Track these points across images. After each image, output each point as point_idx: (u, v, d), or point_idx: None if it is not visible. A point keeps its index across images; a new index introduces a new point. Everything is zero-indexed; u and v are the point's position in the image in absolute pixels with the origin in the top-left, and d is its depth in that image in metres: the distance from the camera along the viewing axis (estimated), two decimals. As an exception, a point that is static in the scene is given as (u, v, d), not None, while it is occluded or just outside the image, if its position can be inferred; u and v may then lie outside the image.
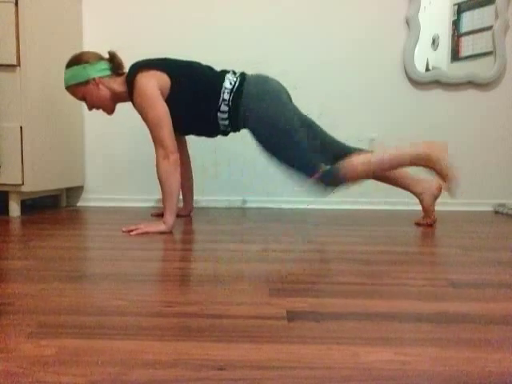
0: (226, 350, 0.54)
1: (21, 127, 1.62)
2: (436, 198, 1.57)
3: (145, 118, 1.38)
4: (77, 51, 1.98)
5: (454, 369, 0.50)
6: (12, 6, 1.56)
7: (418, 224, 1.61)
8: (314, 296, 0.75)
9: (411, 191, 1.57)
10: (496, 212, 2.06)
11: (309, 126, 1.51)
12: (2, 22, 1.56)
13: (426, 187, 1.56)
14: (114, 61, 1.48)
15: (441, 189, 1.57)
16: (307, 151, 1.41)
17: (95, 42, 2.05)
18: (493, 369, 0.50)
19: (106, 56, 1.49)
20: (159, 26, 2.07)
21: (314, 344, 0.56)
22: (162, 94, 1.40)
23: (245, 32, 2.07)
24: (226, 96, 1.43)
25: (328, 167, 1.39)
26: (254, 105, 1.42)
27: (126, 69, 1.48)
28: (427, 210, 1.57)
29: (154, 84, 1.37)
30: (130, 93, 1.43)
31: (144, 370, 0.48)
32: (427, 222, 1.59)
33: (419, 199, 1.58)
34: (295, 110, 1.47)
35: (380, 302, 0.72)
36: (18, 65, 1.60)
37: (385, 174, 1.53)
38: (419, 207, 1.61)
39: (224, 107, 1.45)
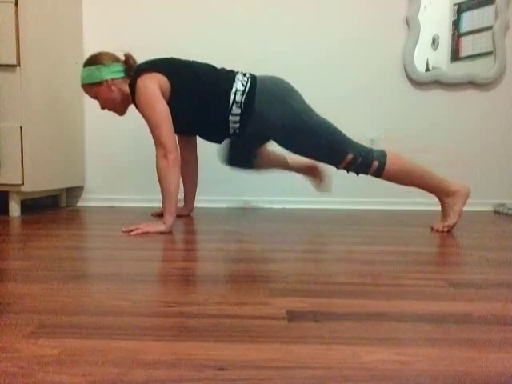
0: (226, 350, 0.54)
1: (21, 127, 1.62)
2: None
3: (145, 118, 1.39)
4: (77, 51, 2.00)
5: (454, 369, 0.50)
6: (12, 6, 1.56)
7: (435, 229, 1.48)
8: (314, 296, 0.75)
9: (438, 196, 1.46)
10: (496, 212, 2.06)
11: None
12: (2, 22, 1.57)
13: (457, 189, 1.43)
14: (128, 63, 1.49)
15: (469, 192, 1.44)
16: (337, 136, 1.43)
17: (95, 42, 2.05)
18: (493, 369, 0.50)
19: (122, 58, 1.50)
20: (159, 26, 2.07)
21: (313, 344, 0.56)
22: (164, 95, 1.40)
23: (245, 32, 2.07)
24: (239, 98, 1.41)
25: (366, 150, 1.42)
26: (270, 110, 1.40)
27: None
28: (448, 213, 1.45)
29: (154, 85, 1.38)
30: (132, 94, 1.44)
31: (144, 370, 0.48)
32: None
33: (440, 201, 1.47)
34: (310, 108, 1.45)
35: (380, 302, 0.72)
36: (18, 65, 1.60)
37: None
38: (419, 207, 1.60)
39: (236, 110, 1.42)
